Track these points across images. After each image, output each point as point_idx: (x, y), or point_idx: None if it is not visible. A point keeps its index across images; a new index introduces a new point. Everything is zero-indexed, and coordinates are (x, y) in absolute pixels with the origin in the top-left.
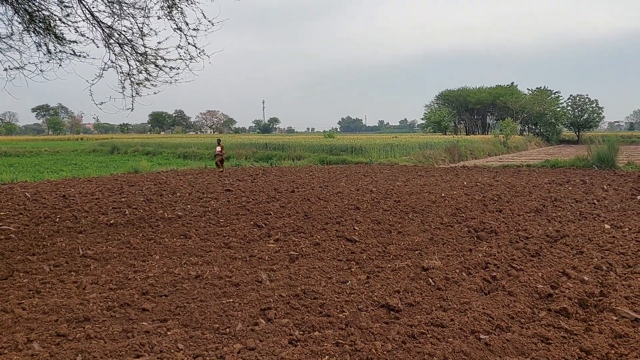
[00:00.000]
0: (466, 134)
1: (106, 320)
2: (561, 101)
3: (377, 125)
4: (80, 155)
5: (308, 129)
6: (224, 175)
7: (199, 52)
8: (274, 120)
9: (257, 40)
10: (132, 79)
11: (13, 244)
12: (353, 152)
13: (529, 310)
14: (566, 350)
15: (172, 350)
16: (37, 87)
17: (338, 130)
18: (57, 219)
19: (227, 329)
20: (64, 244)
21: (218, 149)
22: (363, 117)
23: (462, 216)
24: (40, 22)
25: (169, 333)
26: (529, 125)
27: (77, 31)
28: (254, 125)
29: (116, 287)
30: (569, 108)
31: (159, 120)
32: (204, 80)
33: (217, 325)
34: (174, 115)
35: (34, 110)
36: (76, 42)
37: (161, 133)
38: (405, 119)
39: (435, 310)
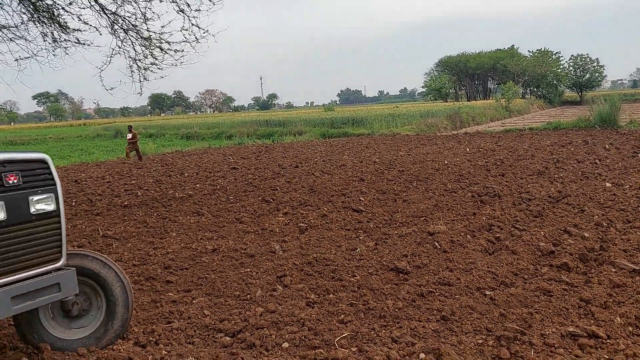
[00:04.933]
0: (467, 100)
1: (135, 293)
2: (562, 62)
3: (377, 95)
4: (85, 141)
5: (307, 103)
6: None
7: (204, 33)
8: (273, 96)
9: (251, 14)
10: (138, 64)
11: None
12: (354, 124)
13: (532, 267)
14: (567, 301)
15: (199, 316)
16: (36, 75)
17: (338, 102)
18: (73, 203)
19: (248, 296)
20: (83, 226)
21: (129, 136)
22: (362, 88)
23: (466, 182)
24: (44, 11)
25: (194, 301)
26: (531, 88)
27: (81, 19)
28: (252, 102)
29: (139, 263)
30: (570, 69)
31: (158, 102)
32: (200, 60)
33: (238, 292)
34: (173, 96)
35: (34, 97)
36: (80, 31)
37: (161, 115)
38: (405, 88)
39: (442, 271)
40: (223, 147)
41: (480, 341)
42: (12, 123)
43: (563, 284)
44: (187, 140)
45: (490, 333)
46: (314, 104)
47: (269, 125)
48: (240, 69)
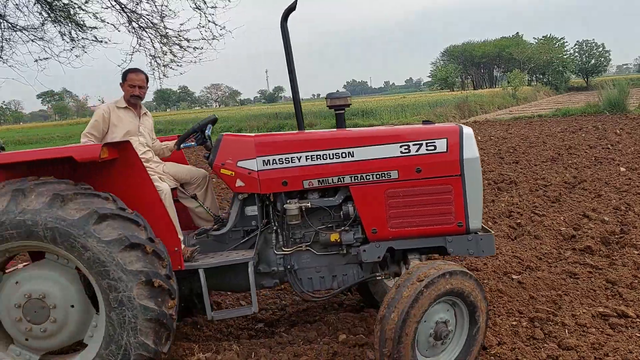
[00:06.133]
0: (474, 89)
1: None
2: (568, 48)
3: (383, 86)
4: None
5: (314, 95)
6: None
7: (220, 29)
8: (279, 89)
9: (255, 6)
10: (157, 61)
11: None
12: (364, 116)
13: (555, 251)
14: (593, 283)
15: None
16: (33, 74)
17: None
18: None
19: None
20: None
21: None
22: (368, 79)
23: (482, 169)
24: (60, 10)
25: None
26: (537, 75)
27: (97, 17)
28: (259, 95)
29: None
30: (576, 54)
31: (164, 98)
32: (204, 54)
33: None
34: (179, 91)
35: (39, 96)
36: (96, 28)
37: (167, 110)
38: (410, 78)
39: (468, 257)
40: None
41: (514, 323)
42: (21, 122)
43: (588, 267)
44: None
45: (523, 315)
46: (321, 96)
47: (279, 118)
48: (246, 63)
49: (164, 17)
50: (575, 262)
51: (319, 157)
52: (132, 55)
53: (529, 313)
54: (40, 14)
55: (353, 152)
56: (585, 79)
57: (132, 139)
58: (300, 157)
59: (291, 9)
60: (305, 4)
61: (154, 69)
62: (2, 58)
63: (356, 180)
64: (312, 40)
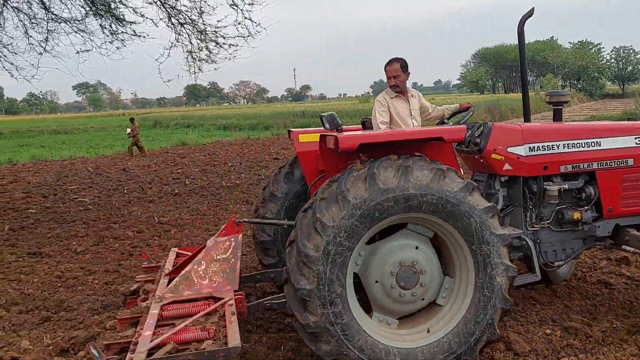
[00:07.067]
0: (505, 93)
1: None
2: (604, 54)
3: (411, 87)
4: (126, 131)
5: (340, 94)
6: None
7: (256, 26)
8: (306, 87)
9: (285, 5)
10: (193, 56)
11: (93, 214)
12: None
13: (590, 260)
14: (630, 294)
15: None
16: (73, 65)
17: (371, 94)
18: (125, 191)
19: None
20: (139, 213)
21: (128, 130)
22: None
23: None
24: (101, 4)
25: None
26: (571, 81)
27: (136, 12)
28: (286, 93)
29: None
30: (612, 61)
31: (194, 93)
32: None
33: None
34: (208, 87)
35: (74, 88)
36: (135, 23)
37: (197, 105)
38: (439, 79)
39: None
40: (262, 137)
41: (548, 331)
42: (59, 112)
43: (624, 278)
44: (225, 130)
45: (556, 324)
46: (347, 96)
47: (306, 117)
48: (274, 61)
49: (202, 13)
50: (611, 273)
51: (574, 145)
52: (169, 50)
53: (563, 322)
54: (83, 7)
55: (600, 142)
56: (621, 86)
57: (407, 121)
58: (559, 144)
59: (529, 15)
60: (334, 1)
61: (190, 65)
62: (45, 49)
63: (602, 166)
64: (339, 38)
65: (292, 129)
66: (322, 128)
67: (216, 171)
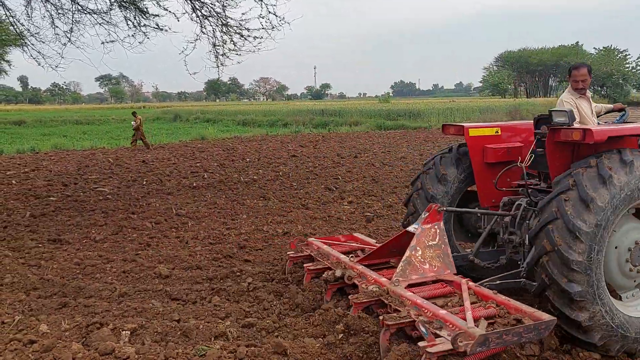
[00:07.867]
0: (527, 97)
1: (216, 270)
2: (630, 60)
3: (431, 89)
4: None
5: (360, 94)
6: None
7: (280, 20)
8: (326, 86)
9: (306, 3)
10: (217, 49)
11: (112, 204)
12: (411, 117)
13: None
14: None
15: None
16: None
17: (391, 94)
18: (144, 182)
19: None
20: (157, 204)
21: (133, 123)
22: (417, 81)
23: None
24: None
25: None
26: (595, 87)
27: (160, 5)
28: (305, 91)
29: (215, 242)
30: (638, 67)
31: (214, 88)
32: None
33: None
34: (229, 82)
35: (97, 79)
36: (158, 16)
37: (216, 101)
38: (460, 82)
39: None
40: (280, 134)
41: None
42: (82, 103)
43: None
44: (244, 126)
45: None
46: (367, 95)
47: (325, 115)
48: (294, 58)
49: (226, 6)
50: None
51: None
52: (194, 43)
53: None
54: None
55: None
56: None
57: (591, 119)
58: None
59: None
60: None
61: (217, 57)
62: (70, 39)
63: None
64: (361, 38)
65: (446, 124)
66: (477, 124)
67: (234, 166)
